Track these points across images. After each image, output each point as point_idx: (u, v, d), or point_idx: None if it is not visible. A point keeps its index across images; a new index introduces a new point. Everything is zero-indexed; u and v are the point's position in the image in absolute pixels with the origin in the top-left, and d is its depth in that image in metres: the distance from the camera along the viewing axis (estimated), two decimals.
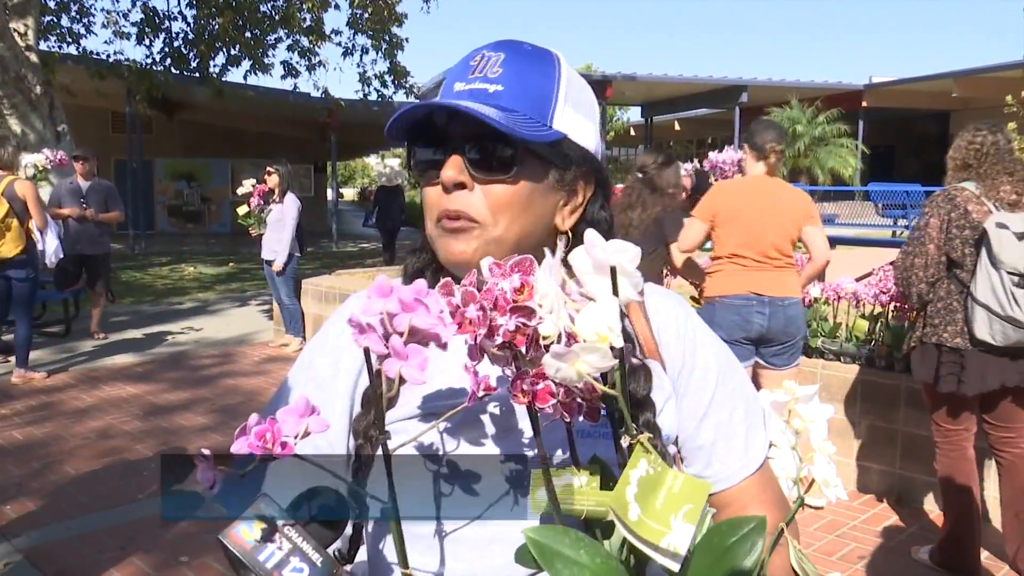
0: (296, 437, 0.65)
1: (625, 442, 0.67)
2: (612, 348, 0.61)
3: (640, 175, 4.41)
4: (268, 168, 7.55)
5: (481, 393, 0.68)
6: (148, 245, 17.96)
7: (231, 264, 14.92)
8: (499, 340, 0.64)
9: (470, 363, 0.67)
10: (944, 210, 3.13)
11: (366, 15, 14.33)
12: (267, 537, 0.66)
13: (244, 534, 0.66)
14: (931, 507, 3.95)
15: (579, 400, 0.65)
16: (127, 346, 7.87)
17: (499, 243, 0.87)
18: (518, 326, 0.63)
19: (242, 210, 7.62)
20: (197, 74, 14.12)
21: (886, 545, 3.64)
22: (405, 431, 0.86)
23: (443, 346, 0.66)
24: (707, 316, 3.80)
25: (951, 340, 3.10)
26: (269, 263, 7.46)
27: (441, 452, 0.86)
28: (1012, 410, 3.20)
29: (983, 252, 2.99)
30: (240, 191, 7.68)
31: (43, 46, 12.42)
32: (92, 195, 7.72)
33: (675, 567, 0.62)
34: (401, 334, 0.65)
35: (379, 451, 0.87)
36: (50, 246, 6.39)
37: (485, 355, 0.67)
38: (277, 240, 7.38)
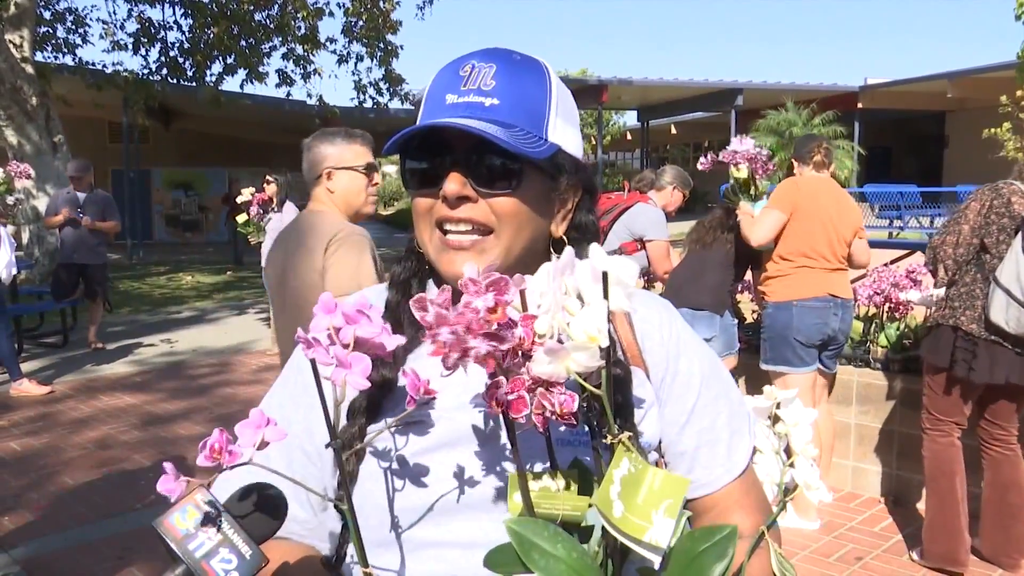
0: (253, 447, 0.67)
1: (608, 441, 0.69)
2: (600, 349, 0.64)
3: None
4: (267, 177, 7.58)
5: (423, 397, 0.70)
6: (146, 254, 17.95)
7: (229, 273, 14.92)
8: (470, 363, 0.66)
9: (444, 372, 0.69)
10: (988, 197, 3.19)
11: (361, 23, 14.37)
12: (199, 527, 0.67)
13: (178, 523, 0.67)
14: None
15: (551, 413, 0.66)
16: (125, 356, 7.88)
17: (507, 251, 0.88)
18: (489, 350, 0.65)
19: (241, 218, 7.63)
20: (193, 83, 14.15)
21: (883, 546, 3.64)
22: (389, 438, 0.88)
23: (389, 354, 0.68)
24: (783, 320, 3.81)
25: (967, 324, 3.14)
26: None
27: (419, 457, 0.87)
28: (1009, 408, 3.27)
29: (1018, 239, 3.03)
30: (239, 199, 7.70)
31: (39, 57, 12.44)
32: (89, 206, 7.72)
33: (657, 560, 0.64)
34: (347, 346, 0.67)
35: (366, 458, 0.89)
36: (1, 260, 5.92)
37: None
38: None
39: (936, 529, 3.30)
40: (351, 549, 0.91)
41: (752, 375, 4.61)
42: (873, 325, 4.46)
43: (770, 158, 4.11)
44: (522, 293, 0.68)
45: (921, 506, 3.98)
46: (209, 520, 0.68)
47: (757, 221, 3.85)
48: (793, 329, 3.79)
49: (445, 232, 0.88)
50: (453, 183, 0.86)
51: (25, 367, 6.80)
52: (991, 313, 3.04)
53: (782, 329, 3.82)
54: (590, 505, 0.70)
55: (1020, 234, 3.03)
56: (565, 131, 0.92)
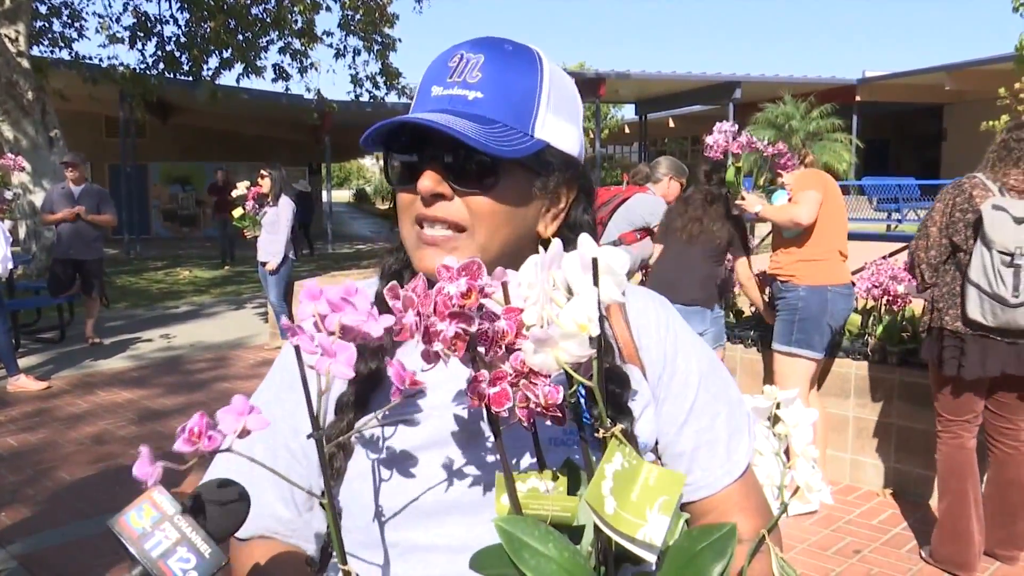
0: (234, 434, 0.65)
1: (600, 435, 0.67)
2: (590, 338, 0.62)
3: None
4: (261, 172, 7.57)
5: (409, 389, 0.68)
6: (143, 249, 17.91)
7: (226, 267, 14.90)
8: (439, 346, 0.64)
9: (426, 366, 0.67)
10: (951, 196, 3.19)
11: (358, 16, 14.31)
12: (156, 526, 0.65)
13: (133, 522, 0.66)
14: (926, 501, 3.95)
15: (534, 405, 0.64)
16: (122, 351, 7.86)
17: (482, 251, 0.84)
18: (457, 332, 0.63)
19: (237, 213, 7.65)
20: (190, 78, 14.10)
21: (881, 539, 3.64)
22: (377, 437, 0.87)
23: (379, 339, 0.66)
24: (818, 304, 3.85)
25: (951, 324, 3.15)
26: (264, 265, 7.48)
27: (407, 456, 0.86)
28: (1016, 402, 3.24)
29: (979, 233, 3.03)
30: (235, 193, 7.70)
31: (35, 51, 12.37)
32: (85, 199, 7.70)
33: (651, 558, 0.62)
34: (332, 333, 0.65)
35: (354, 456, 0.88)
36: None
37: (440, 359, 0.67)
38: (272, 242, 7.39)
39: (946, 530, 3.29)
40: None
41: (749, 369, 4.61)
42: (871, 318, 4.45)
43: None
44: (504, 286, 0.66)
45: (921, 499, 3.99)
46: (166, 518, 0.66)
47: (799, 202, 3.85)
48: (828, 314, 3.85)
49: (422, 228, 0.86)
50: (428, 180, 0.83)
51: (22, 363, 6.78)
52: (968, 310, 3.05)
53: (817, 313, 3.86)
54: (581, 500, 0.69)
55: (981, 228, 3.01)
56: (557, 126, 0.87)
